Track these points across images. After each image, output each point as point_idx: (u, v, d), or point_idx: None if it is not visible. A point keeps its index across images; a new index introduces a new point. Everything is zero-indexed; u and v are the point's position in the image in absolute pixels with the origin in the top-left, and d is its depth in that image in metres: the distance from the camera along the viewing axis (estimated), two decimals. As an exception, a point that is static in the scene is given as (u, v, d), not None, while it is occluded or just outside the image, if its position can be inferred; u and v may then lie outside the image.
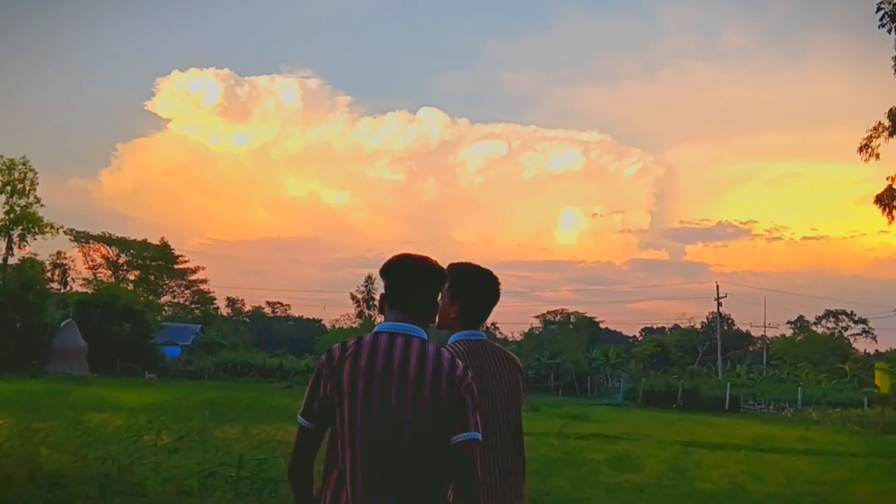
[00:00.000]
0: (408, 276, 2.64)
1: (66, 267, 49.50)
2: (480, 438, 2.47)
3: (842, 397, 40.07)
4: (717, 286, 59.92)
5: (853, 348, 75.43)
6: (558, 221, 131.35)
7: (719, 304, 59.23)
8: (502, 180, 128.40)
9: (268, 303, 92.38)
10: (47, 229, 43.46)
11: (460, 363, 2.55)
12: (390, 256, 2.69)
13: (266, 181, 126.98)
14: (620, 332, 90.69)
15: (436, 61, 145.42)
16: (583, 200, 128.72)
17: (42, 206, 43.50)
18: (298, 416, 2.55)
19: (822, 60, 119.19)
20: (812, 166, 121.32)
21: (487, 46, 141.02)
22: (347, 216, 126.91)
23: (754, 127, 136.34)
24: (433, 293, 2.71)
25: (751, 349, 79.22)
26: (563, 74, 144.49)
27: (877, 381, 26.99)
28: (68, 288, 50.62)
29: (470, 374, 2.54)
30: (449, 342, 3.06)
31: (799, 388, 39.77)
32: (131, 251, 66.98)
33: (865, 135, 20.76)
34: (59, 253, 48.62)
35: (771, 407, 38.78)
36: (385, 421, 2.40)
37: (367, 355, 2.47)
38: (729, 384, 41.84)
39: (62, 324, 44.04)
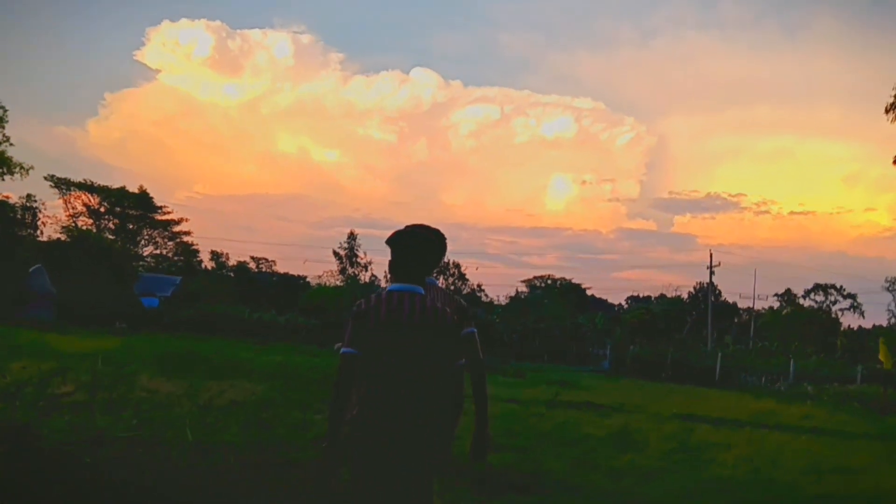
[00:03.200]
0: (403, 254, 3.65)
1: (37, 210, 47.25)
2: (466, 361, 3.76)
3: (834, 372, 38.94)
4: (711, 254, 58.60)
5: (839, 323, 74.94)
6: (548, 188, 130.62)
7: (712, 273, 58.00)
8: (494, 144, 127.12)
9: (252, 258, 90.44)
10: (17, 169, 41.30)
11: (448, 310, 3.64)
12: (394, 230, 3.67)
13: (255, 136, 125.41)
14: (606, 300, 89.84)
15: (431, 20, 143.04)
16: (573, 167, 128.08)
17: (11, 144, 41.37)
18: (343, 349, 3.51)
19: (819, 37, 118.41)
20: (803, 142, 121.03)
21: (483, 6, 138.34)
22: (336, 174, 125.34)
23: (748, 100, 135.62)
24: (426, 262, 3.73)
25: (735, 321, 78.50)
26: (559, 39, 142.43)
27: (881, 356, 25.65)
28: (38, 232, 48.53)
29: (455, 317, 3.68)
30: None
31: (791, 362, 38.51)
32: (113, 199, 64.87)
33: (893, 93, 19.33)
34: (28, 195, 46.33)
35: (763, 380, 37.63)
36: (399, 354, 3.47)
37: (385, 308, 3.53)
38: (720, 355, 40.59)
39: (31, 269, 42.25)
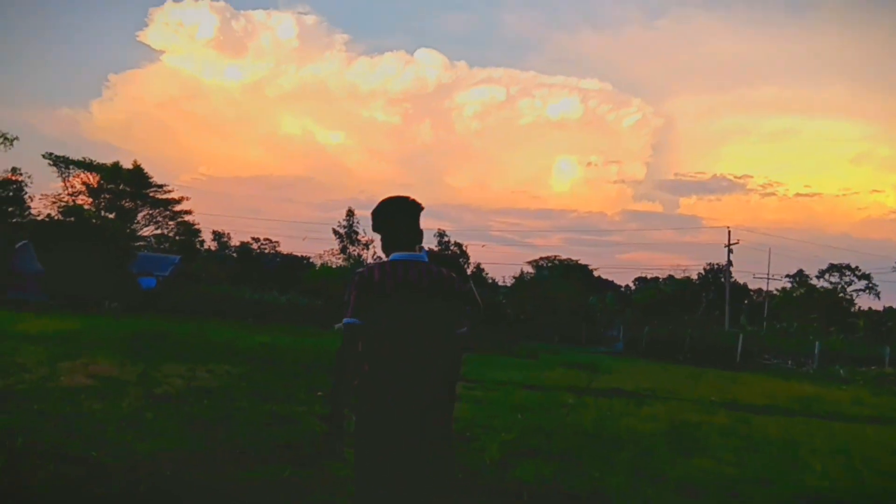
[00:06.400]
0: (394, 221, 3.50)
1: (23, 185, 44.97)
2: (468, 330, 3.64)
3: (859, 353, 36.84)
4: (729, 232, 56.32)
5: (852, 303, 72.86)
6: (553, 169, 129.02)
7: (730, 251, 55.78)
8: (499, 126, 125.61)
9: (253, 238, 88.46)
10: (0, 140, 39.05)
11: (455, 276, 3.48)
12: (376, 203, 3.52)
13: (260, 118, 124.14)
14: (613, 281, 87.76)
15: (436, 1, 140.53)
16: (579, 149, 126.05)
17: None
18: (346, 318, 3.29)
19: (826, 15, 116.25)
20: (810, 122, 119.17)
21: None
22: (341, 156, 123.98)
23: (755, 80, 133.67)
24: (416, 226, 3.55)
25: (746, 302, 76.45)
26: (564, 18, 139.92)
27: (926, 338, 23.61)
28: (25, 206, 46.33)
29: (462, 283, 3.52)
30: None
31: (816, 343, 36.31)
32: (107, 176, 62.44)
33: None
34: (14, 169, 43.99)
35: (789, 362, 35.52)
36: (409, 319, 3.28)
37: (391, 274, 3.32)
38: (741, 336, 38.45)
39: (17, 245, 40.18)
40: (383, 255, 3.54)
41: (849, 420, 13.43)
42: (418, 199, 3.57)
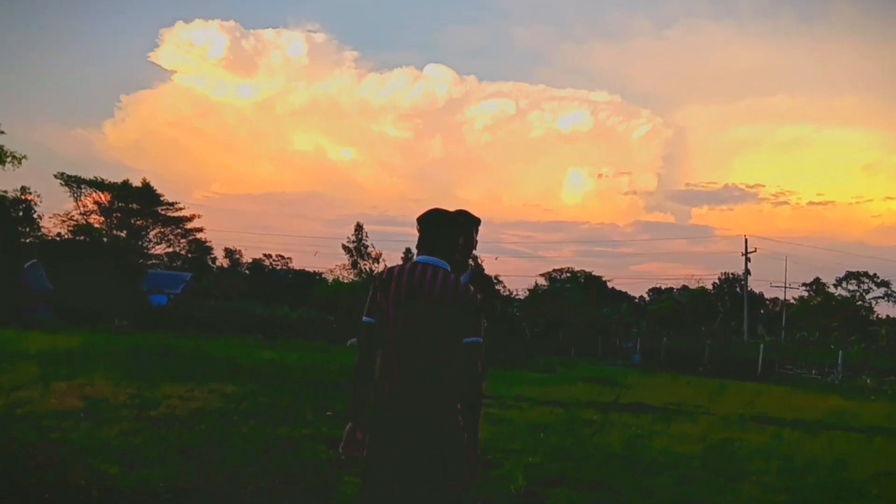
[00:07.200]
0: (429, 229, 3.60)
1: (32, 202, 44.58)
2: (482, 341, 3.40)
3: (883, 363, 35.81)
4: (746, 241, 55.23)
5: (871, 311, 71.60)
6: (564, 182, 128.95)
7: (747, 260, 54.67)
8: (509, 139, 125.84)
9: (265, 254, 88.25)
10: (8, 159, 38.72)
11: (472, 287, 3.49)
12: (422, 211, 3.63)
13: (271, 135, 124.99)
14: (627, 293, 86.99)
15: (444, 15, 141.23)
16: (590, 161, 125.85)
17: (3, 132, 38.91)
18: (364, 317, 3.42)
19: (836, 25, 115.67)
20: (821, 131, 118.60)
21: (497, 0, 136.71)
22: (352, 172, 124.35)
23: (765, 90, 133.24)
24: (451, 239, 3.63)
25: (762, 311, 75.39)
26: (572, 31, 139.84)
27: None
28: (35, 226, 46.04)
29: (479, 295, 3.47)
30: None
31: (840, 353, 35.32)
32: (116, 194, 62.31)
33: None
34: (23, 188, 43.60)
35: (813, 372, 34.56)
36: (417, 323, 3.33)
37: (407, 277, 3.40)
38: (762, 346, 37.54)
39: (26, 265, 39.91)
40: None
41: (891, 436, 12.68)
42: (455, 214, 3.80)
